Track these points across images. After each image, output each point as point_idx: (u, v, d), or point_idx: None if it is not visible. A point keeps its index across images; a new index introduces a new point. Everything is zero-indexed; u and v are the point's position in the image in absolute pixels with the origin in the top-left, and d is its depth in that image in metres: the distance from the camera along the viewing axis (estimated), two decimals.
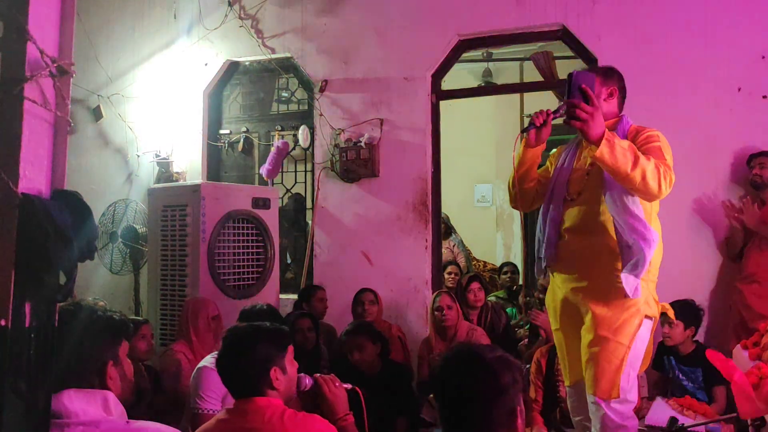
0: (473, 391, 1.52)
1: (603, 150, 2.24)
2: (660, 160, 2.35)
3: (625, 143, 2.30)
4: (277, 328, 2.04)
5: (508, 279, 5.46)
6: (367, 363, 3.47)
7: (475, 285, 4.41)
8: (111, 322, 1.66)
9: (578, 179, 2.59)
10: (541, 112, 2.53)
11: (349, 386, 2.20)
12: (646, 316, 2.49)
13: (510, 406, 1.52)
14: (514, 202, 2.80)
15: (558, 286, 2.68)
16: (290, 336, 2.09)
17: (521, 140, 2.62)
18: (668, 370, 3.61)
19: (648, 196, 2.36)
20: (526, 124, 2.71)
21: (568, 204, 2.59)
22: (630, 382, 2.47)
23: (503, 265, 5.73)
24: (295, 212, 5.30)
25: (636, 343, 2.46)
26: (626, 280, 2.38)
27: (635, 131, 2.53)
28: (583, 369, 2.52)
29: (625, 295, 2.39)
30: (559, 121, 2.73)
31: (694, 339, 3.63)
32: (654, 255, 2.44)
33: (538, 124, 2.53)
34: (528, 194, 2.73)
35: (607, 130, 2.29)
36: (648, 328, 2.52)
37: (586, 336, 2.51)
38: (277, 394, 1.92)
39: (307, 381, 2.11)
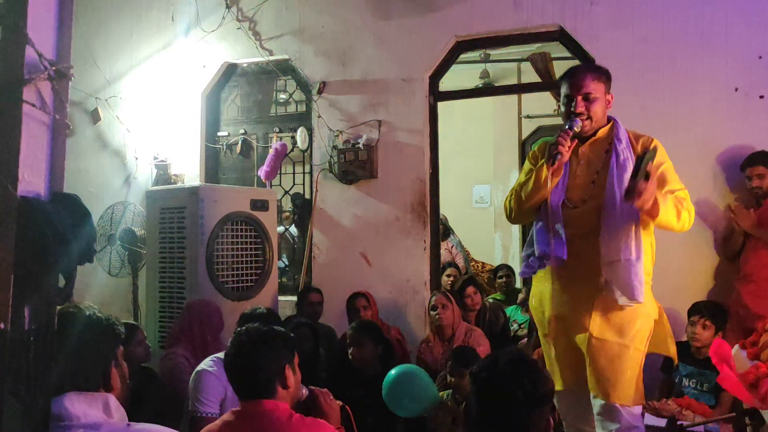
0: (525, 395, 1.52)
1: (655, 215, 2.38)
2: (679, 193, 2.47)
3: (670, 202, 2.39)
4: (287, 332, 2.09)
5: (504, 283, 5.47)
6: (365, 362, 3.47)
7: (470, 289, 4.34)
8: (109, 324, 1.67)
9: (582, 186, 2.56)
10: (563, 138, 2.46)
11: (340, 403, 2.21)
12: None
13: (547, 416, 1.56)
14: (517, 219, 2.77)
15: (553, 291, 2.63)
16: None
17: (548, 170, 2.50)
18: (675, 374, 3.60)
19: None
20: (523, 123, 2.74)
21: (570, 210, 2.55)
22: (642, 384, 2.51)
23: (499, 268, 5.73)
24: (300, 209, 5.26)
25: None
26: (638, 287, 2.40)
27: (635, 139, 2.54)
28: (590, 375, 2.50)
29: (636, 301, 2.42)
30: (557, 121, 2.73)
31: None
32: (647, 258, 2.49)
33: (566, 153, 2.48)
34: (532, 210, 2.67)
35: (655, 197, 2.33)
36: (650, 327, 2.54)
37: (596, 343, 2.48)
38: (287, 395, 1.93)
39: (303, 392, 2.12)
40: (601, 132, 2.57)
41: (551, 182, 2.52)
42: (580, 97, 2.51)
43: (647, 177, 2.27)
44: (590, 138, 2.58)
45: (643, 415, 3.18)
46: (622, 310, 2.45)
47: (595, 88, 2.51)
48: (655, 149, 2.36)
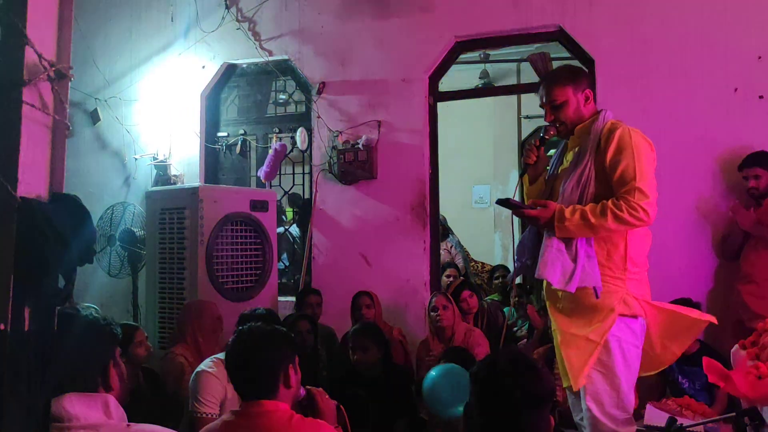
0: (527, 395, 1.52)
1: (562, 235, 2.44)
2: (628, 189, 2.38)
3: (576, 216, 2.40)
4: (288, 333, 2.09)
5: (500, 284, 5.47)
6: (368, 364, 3.47)
7: (465, 293, 4.29)
8: (106, 324, 1.68)
9: (563, 182, 2.61)
10: (531, 149, 2.67)
11: (335, 403, 2.21)
12: (623, 315, 2.45)
13: (547, 416, 1.56)
14: None
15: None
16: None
17: (527, 183, 2.75)
18: (668, 372, 3.60)
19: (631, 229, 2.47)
20: (523, 123, 2.77)
21: None
22: (626, 387, 2.43)
23: (495, 269, 5.74)
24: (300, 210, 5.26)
25: (613, 342, 2.43)
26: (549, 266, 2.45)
27: (608, 131, 2.52)
28: (559, 366, 2.59)
29: (594, 295, 2.44)
30: None
31: (698, 338, 3.62)
32: (635, 254, 2.48)
33: (532, 163, 2.68)
34: None
35: (555, 213, 2.42)
36: (630, 327, 2.46)
37: (556, 336, 2.60)
38: (288, 395, 1.93)
39: (301, 391, 2.12)
40: (581, 127, 2.61)
41: (532, 189, 2.73)
42: (548, 107, 2.64)
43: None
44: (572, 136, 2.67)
45: (642, 415, 3.20)
46: (581, 305, 2.48)
47: (558, 94, 2.58)
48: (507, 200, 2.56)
